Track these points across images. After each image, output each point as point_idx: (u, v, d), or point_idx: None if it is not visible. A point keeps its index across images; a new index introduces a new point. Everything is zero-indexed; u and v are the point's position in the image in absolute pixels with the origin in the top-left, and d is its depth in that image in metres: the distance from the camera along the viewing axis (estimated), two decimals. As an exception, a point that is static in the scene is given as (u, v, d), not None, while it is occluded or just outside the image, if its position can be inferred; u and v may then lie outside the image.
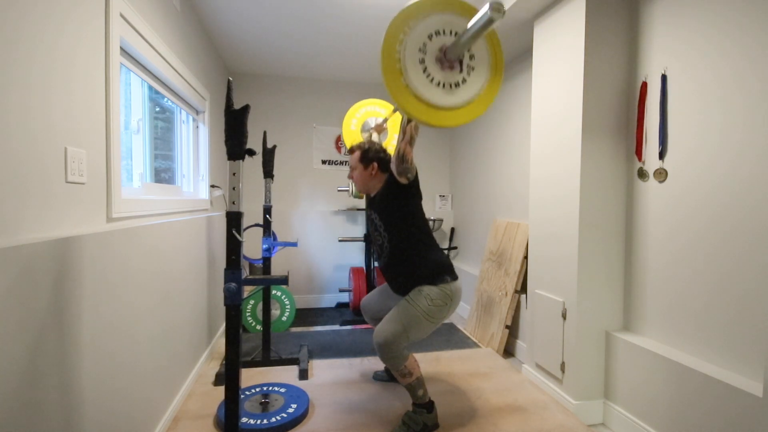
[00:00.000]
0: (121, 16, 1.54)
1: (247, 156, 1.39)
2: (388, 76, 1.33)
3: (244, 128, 1.36)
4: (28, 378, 0.97)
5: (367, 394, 2.24)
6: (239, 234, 1.38)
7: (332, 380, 2.39)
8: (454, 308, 1.91)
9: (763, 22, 1.46)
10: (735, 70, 1.55)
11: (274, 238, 2.68)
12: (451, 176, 4.48)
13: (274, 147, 2.63)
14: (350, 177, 2.13)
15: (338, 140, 4.17)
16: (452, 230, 4.38)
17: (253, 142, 3.81)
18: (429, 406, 1.89)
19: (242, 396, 2.13)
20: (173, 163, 2.59)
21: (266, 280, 1.50)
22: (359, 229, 4.25)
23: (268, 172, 2.62)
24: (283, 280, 1.46)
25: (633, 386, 1.89)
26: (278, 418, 1.91)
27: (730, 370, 1.56)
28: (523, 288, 2.83)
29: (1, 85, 0.96)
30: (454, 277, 1.93)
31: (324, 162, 4.15)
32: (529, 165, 2.89)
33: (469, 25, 1.28)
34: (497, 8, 1.16)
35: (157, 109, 2.40)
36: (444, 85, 1.39)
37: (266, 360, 2.58)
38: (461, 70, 1.42)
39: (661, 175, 1.85)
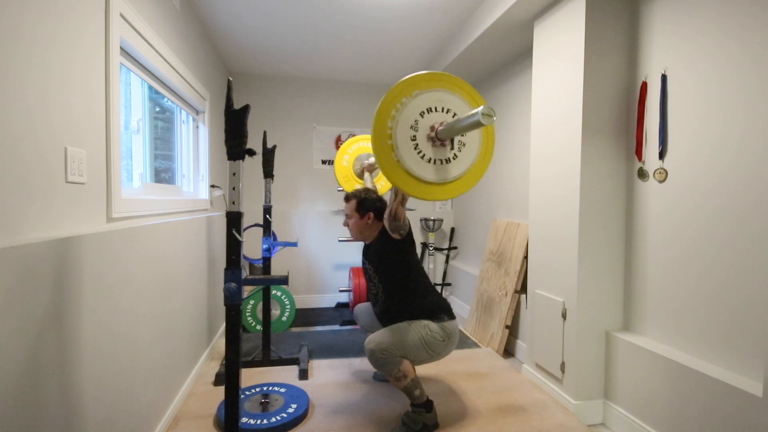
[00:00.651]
0: (121, 16, 1.54)
1: (247, 156, 1.39)
2: (380, 152, 1.36)
3: (244, 128, 1.36)
4: (28, 378, 0.97)
5: (367, 394, 2.24)
6: (239, 234, 1.38)
7: (332, 380, 2.39)
8: (452, 347, 1.93)
9: (763, 22, 1.46)
10: (735, 69, 1.55)
11: (274, 238, 2.68)
12: (451, 176, 4.47)
13: (274, 147, 2.63)
14: (345, 224, 2.15)
15: (338, 140, 4.17)
16: (452, 230, 4.38)
17: (253, 142, 3.80)
18: (428, 405, 1.89)
19: (242, 396, 2.13)
20: (173, 163, 2.59)
21: (266, 280, 1.51)
22: (359, 229, 4.25)
23: (268, 172, 2.62)
24: (283, 280, 1.46)
25: (633, 386, 1.89)
26: (278, 418, 1.91)
27: (730, 370, 1.56)
28: (523, 288, 2.83)
29: (0, 85, 0.96)
30: (451, 317, 1.95)
31: (324, 162, 4.15)
32: (529, 165, 2.89)
33: (463, 117, 1.31)
34: (488, 114, 1.21)
35: (157, 109, 2.40)
36: (435, 162, 1.43)
37: (266, 360, 2.58)
38: (452, 147, 1.46)
39: (661, 175, 1.85)
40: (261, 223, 2.71)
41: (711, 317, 1.63)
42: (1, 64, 0.96)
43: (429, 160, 1.42)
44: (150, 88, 2.11)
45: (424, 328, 1.85)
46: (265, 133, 2.60)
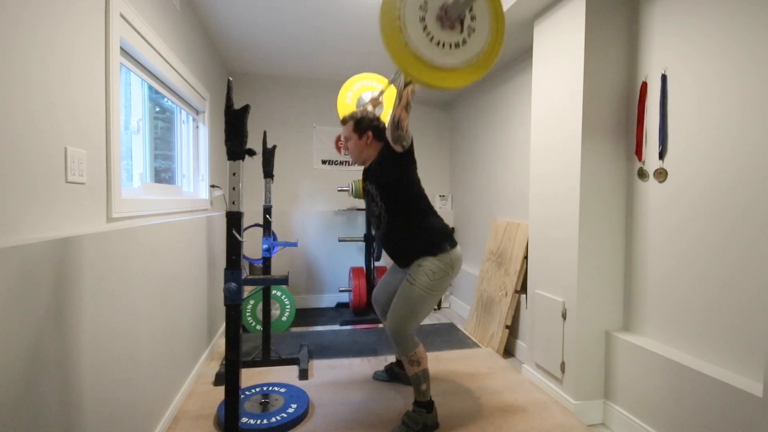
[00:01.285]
0: (121, 16, 1.54)
1: (247, 156, 1.39)
2: (387, 32, 1.29)
3: (244, 128, 1.36)
4: (29, 378, 0.97)
5: (367, 394, 2.24)
6: (239, 234, 1.38)
7: (332, 380, 2.39)
8: (455, 275, 1.93)
9: (763, 22, 1.46)
10: (735, 69, 1.55)
11: (274, 238, 2.68)
12: (451, 176, 4.48)
13: (274, 147, 2.63)
14: (345, 148, 2.11)
15: (338, 140, 4.17)
16: (452, 230, 4.37)
17: (253, 142, 3.81)
18: (429, 405, 1.89)
19: (242, 396, 2.13)
20: (173, 163, 2.59)
21: (266, 280, 1.50)
22: (359, 229, 4.25)
23: (268, 172, 2.62)
24: (283, 280, 1.46)
25: (633, 386, 1.89)
26: (278, 418, 1.91)
27: (730, 370, 1.56)
28: (523, 288, 2.83)
29: (0, 85, 0.96)
30: (453, 244, 1.92)
31: (324, 162, 4.15)
32: (529, 165, 2.89)
33: None
34: None
35: (157, 109, 2.40)
36: (444, 45, 1.36)
37: (266, 360, 2.58)
38: (462, 31, 1.38)
39: (661, 175, 1.85)
40: (261, 223, 2.71)
41: (711, 317, 1.63)
42: (1, 64, 0.96)
43: (438, 43, 1.35)
44: (150, 88, 2.11)
45: (425, 276, 1.84)
46: (265, 133, 2.60)
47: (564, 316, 2.13)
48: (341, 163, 4.19)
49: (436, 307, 4.03)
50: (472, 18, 1.41)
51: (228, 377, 1.39)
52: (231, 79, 1.45)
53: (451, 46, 1.38)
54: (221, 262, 3.02)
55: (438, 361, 2.68)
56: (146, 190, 2.00)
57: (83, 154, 1.28)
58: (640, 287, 1.98)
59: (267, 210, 2.63)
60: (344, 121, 2.08)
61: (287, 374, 2.46)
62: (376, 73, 3.90)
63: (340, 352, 2.84)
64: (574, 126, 2.06)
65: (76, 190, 1.24)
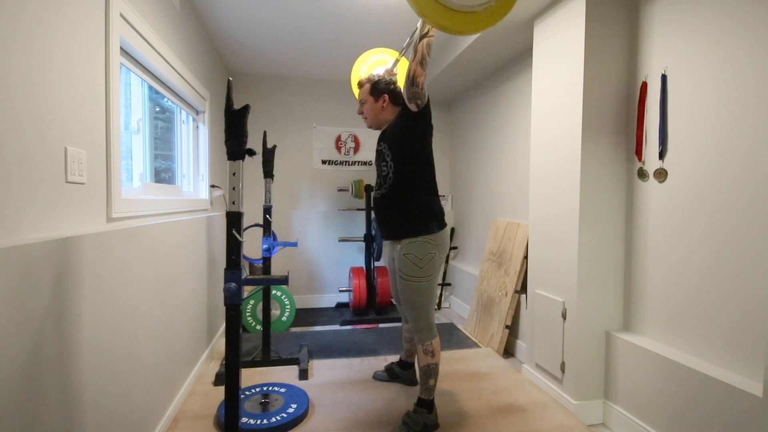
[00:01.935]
0: (121, 16, 1.54)
1: (247, 156, 1.38)
2: None
3: (244, 128, 1.36)
4: (28, 378, 0.97)
5: (367, 394, 2.24)
6: (239, 234, 1.38)
7: (332, 380, 2.39)
8: (445, 251, 1.93)
9: (764, 21, 1.46)
10: (736, 69, 1.55)
11: (274, 238, 2.68)
12: (451, 176, 4.48)
13: (274, 147, 2.63)
14: (360, 112, 2.08)
15: (338, 140, 4.17)
16: (452, 230, 4.38)
17: (253, 142, 3.81)
18: (430, 406, 1.89)
19: (242, 396, 2.13)
20: (173, 163, 2.60)
21: (266, 280, 1.50)
22: (359, 229, 4.25)
23: (268, 172, 2.62)
24: (283, 280, 1.46)
25: (633, 386, 1.89)
26: (278, 418, 1.91)
27: (730, 370, 1.56)
28: (523, 288, 2.83)
29: (0, 85, 0.96)
30: (442, 226, 1.92)
31: (324, 162, 4.15)
32: (529, 165, 2.89)
33: None
34: None
35: (157, 109, 2.40)
36: None
37: (266, 360, 2.58)
38: None
39: (661, 175, 1.85)
40: (261, 223, 2.71)
41: (711, 317, 1.63)
42: (1, 65, 0.96)
43: None
44: (150, 88, 2.11)
45: (415, 266, 1.84)
46: (265, 133, 2.60)
47: (564, 316, 2.13)
48: (341, 163, 4.19)
49: (436, 307, 4.03)
50: None
51: (228, 377, 1.39)
52: (231, 79, 1.45)
53: None
54: (221, 262, 3.02)
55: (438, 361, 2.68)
56: (146, 190, 2.00)
57: (83, 154, 1.28)
58: (640, 287, 1.98)
59: (267, 210, 2.63)
60: (360, 84, 2.05)
61: (287, 374, 2.46)
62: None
63: (340, 352, 2.84)
64: (574, 126, 2.06)
65: (76, 190, 1.24)
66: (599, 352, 2.06)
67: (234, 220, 1.37)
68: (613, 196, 2.05)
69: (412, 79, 1.71)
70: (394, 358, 2.71)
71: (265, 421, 1.88)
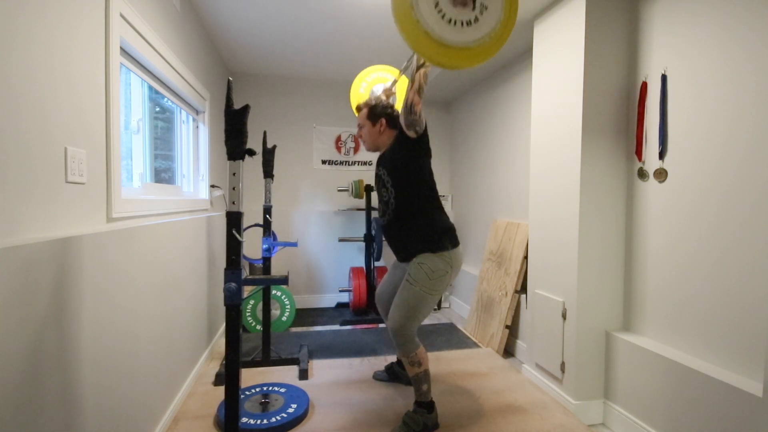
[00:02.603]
0: (121, 16, 1.54)
1: (247, 156, 1.38)
2: (399, 10, 1.28)
3: (244, 128, 1.36)
4: (28, 378, 0.97)
5: (367, 394, 2.24)
6: (239, 234, 1.38)
7: (332, 380, 2.39)
8: (456, 274, 1.92)
9: (764, 21, 1.46)
10: (735, 68, 1.55)
11: (274, 238, 2.68)
12: (451, 176, 4.48)
13: (274, 147, 2.63)
14: (359, 136, 2.10)
15: (338, 140, 4.17)
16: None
17: (253, 142, 3.81)
18: (429, 406, 1.89)
19: (242, 396, 2.13)
20: (173, 163, 2.59)
21: (266, 280, 1.50)
22: (359, 229, 4.25)
23: (268, 172, 2.62)
24: (283, 280, 1.46)
25: (633, 386, 1.89)
26: (278, 418, 1.91)
27: (730, 370, 1.56)
28: (523, 288, 2.83)
29: (0, 85, 0.96)
30: (455, 243, 1.93)
31: (324, 162, 4.15)
32: (529, 165, 2.89)
33: None
34: None
35: (157, 109, 2.40)
36: (455, 23, 1.34)
37: (266, 360, 2.58)
38: (474, 8, 1.36)
39: (661, 175, 1.85)
40: (261, 223, 2.71)
41: (711, 317, 1.63)
42: (2, 65, 0.96)
43: (450, 21, 1.33)
44: (150, 88, 2.11)
45: (425, 274, 1.84)
46: (265, 133, 2.60)
47: (564, 316, 2.13)
48: (341, 163, 4.19)
49: (436, 307, 4.03)
50: None
51: (228, 377, 1.39)
52: (231, 79, 1.45)
53: (463, 23, 1.35)
54: (221, 262, 3.02)
55: (438, 361, 2.68)
56: (146, 190, 2.00)
57: (83, 154, 1.28)
58: (640, 287, 1.98)
59: (267, 210, 2.63)
60: (358, 109, 2.08)
61: (287, 374, 2.46)
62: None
63: (340, 352, 2.84)
64: (574, 126, 2.06)
65: (76, 190, 1.24)
66: (599, 352, 2.06)
67: (234, 220, 1.37)
68: (613, 196, 2.05)
69: (409, 108, 1.73)
70: (394, 358, 2.71)
71: (265, 421, 1.88)
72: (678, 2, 1.78)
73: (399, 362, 2.40)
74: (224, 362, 1.44)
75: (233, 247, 1.38)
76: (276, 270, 4.10)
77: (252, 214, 3.96)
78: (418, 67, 1.69)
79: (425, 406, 1.88)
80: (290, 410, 1.98)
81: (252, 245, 3.97)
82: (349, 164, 4.19)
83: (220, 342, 2.95)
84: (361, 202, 4.22)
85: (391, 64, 3.66)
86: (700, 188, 1.68)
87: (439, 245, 1.87)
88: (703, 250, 1.66)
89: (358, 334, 3.24)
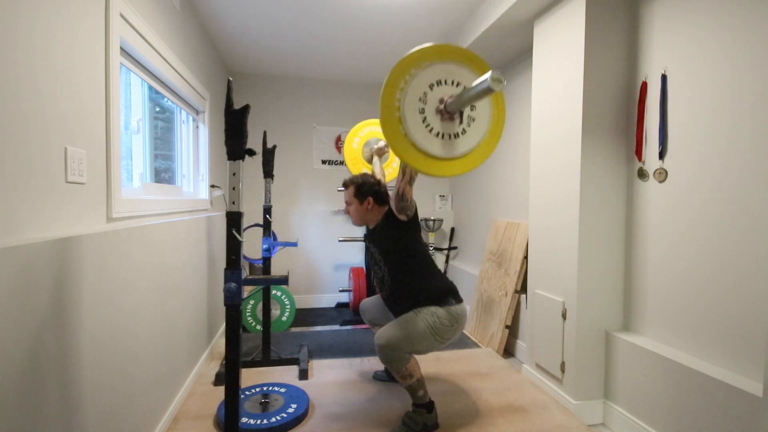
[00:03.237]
0: (121, 16, 1.54)
1: (247, 156, 1.39)
2: (387, 123, 1.33)
3: (244, 128, 1.36)
4: (28, 378, 0.97)
5: (367, 394, 2.24)
6: (239, 234, 1.38)
7: (332, 380, 2.39)
8: (460, 330, 1.91)
9: (763, 21, 1.46)
10: (735, 68, 1.55)
11: (274, 238, 2.68)
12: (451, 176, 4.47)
13: (274, 147, 2.63)
14: (347, 212, 2.11)
15: (338, 140, 4.17)
16: (452, 230, 4.38)
17: (253, 142, 3.81)
18: (429, 406, 1.89)
19: (242, 396, 2.13)
20: (173, 163, 2.60)
21: (266, 280, 1.50)
22: (359, 229, 4.25)
23: (268, 172, 2.62)
24: (283, 280, 1.46)
25: (633, 386, 1.89)
26: (278, 418, 1.91)
27: (730, 370, 1.56)
28: (523, 288, 2.83)
29: (0, 85, 0.96)
30: (459, 300, 1.93)
31: (324, 162, 4.15)
32: (529, 165, 2.89)
33: (472, 86, 1.27)
34: (497, 80, 1.16)
35: (157, 109, 2.40)
36: (443, 136, 1.39)
37: (266, 360, 2.58)
38: (461, 122, 1.42)
39: (661, 175, 1.85)
40: (261, 223, 2.71)
41: (711, 317, 1.63)
42: (2, 65, 0.96)
43: (437, 134, 1.37)
44: (150, 88, 2.11)
45: (431, 315, 1.83)
46: (265, 133, 2.60)
47: (564, 316, 2.13)
48: (341, 163, 4.19)
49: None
50: (472, 108, 1.43)
51: (228, 377, 1.39)
52: (231, 79, 1.45)
53: (450, 136, 1.40)
54: (221, 262, 3.02)
55: (438, 361, 2.68)
56: (146, 190, 2.00)
57: (83, 154, 1.28)
58: (640, 287, 1.98)
59: (267, 210, 2.63)
60: (345, 185, 2.09)
61: (287, 374, 2.46)
62: (375, 74, 3.90)
63: (340, 352, 2.84)
64: (574, 126, 2.06)
65: (76, 190, 1.24)
66: (599, 352, 2.06)
67: (234, 220, 1.38)
68: (613, 196, 2.05)
69: (401, 196, 1.78)
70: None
71: (265, 421, 1.88)
72: (678, 2, 1.78)
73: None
74: (224, 362, 1.44)
75: (233, 247, 1.38)
76: (276, 270, 4.10)
77: (252, 214, 3.96)
78: None
79: (424, 406, 1.88)
80: (290, 410, 1.98)
81: (252, 245, 3.97)
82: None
83: (220, 342, 2.95)
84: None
85: (391, 64, 3.66)
86: (701, 188, 1.68)
87: (445, 301, 1.88)
88: (703, 250, 1.66)
89: (358, 334, 3.24)
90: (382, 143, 2.61)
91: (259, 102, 4.01)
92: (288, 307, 3.33)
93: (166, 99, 2.35)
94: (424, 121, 1.36)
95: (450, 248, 4.30)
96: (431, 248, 4.15)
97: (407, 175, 1.72)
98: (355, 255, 4.26)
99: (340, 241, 3.84)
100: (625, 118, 2.06)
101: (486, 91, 1.20)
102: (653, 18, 1.91)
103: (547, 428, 1.91)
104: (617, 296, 2.07)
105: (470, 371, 2.53)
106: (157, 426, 1.77)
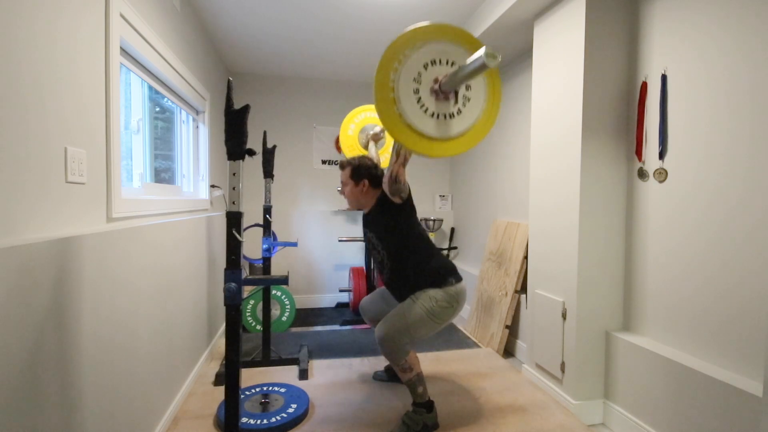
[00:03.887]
0: (121, 16, 1.54)
1: (247, 156, 1.39)
2: (381, 104, 1.31)
3: (244, 128, 1.36)
4: (28, 377, 0.97)
5: (367, 394, 2.24)
6: (239, 234, 1.38)
7: (332, 380, 2.39)
8: (459, 309, 1.92)
9: (763, 21, 1.46)
10: (734, 68, 1.55)
11: (274, 238, 2.68)
12: (451, 176, 4.48)
13: (274, 147, 2.63)
14: (342, 193, 2.12)
15: (338, 140, 4.17)
16: (452, 230, 4.38)
17: (253, 142, 3.81)
18: (429, 406, 1.89)
19: (242, 396, 2.13)
20: (173, 163, 2.59)
21: (266, 280, 1.50)
22: (359, 229, 4.25)
23: (268, 172, 2.62)
24: (283, 280, 1.46)
25: (633, 386, 1.89)
26: (278, 418, 1.91)
27: (730, 370, 1.56)
28: (523, 288, 2.83)
29: (0, 85, 0.96)
30: (458, 279, 1.94)
31: (324, 162, 4.15)
32: (529, 165, 2.89)
33: (466, 63, 1.26)
34: (492, 56, 1.14)
35: (157, 109, 2.40)
36: (438, 116, 1.37)
37: (266, 360, 2.58)
38: (456, 101, 1.40)
39: (661, 175, 1.85)
40: (261, 223, 2.71)
41: (711, 317, 1.63)
42: (2, 65, 0.96)
43: (432, 115, 1.36)
44: (150, 88, 2.11)
45: (429, 300, 1.84)
46: (265, 133, 2.60)
47: (564, 316, 2.13)
48: (341, 163, 4.18)
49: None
50: (467, 87, 1.41)
51: (228, 377, 1.39)
52: (231, 79, 1.45)
53: (446, 116, 1.38)
54: (221, 262, 3.02)
55: (438, 361, 2.68)
56: (146, 190, 2.00)
57: (83, 154, 1.28)
58: (640, 287, 1.98)
59: (267, 210, 2.63)
60: (342, 166, 2.08)
61: (287, 374, 2.46)
62: (371, 75, 3.90)
63: (340, 352, 2.84)
64: (574, 126, 2.06)
65: (76, 190, 1.24)
66: (599, 352, 2.06)
67: (234, 220, 1.37)
68: (613, 196, 2.05)
69: (394, 178, 1.78)
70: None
71: (265, 421, 1.88)
72: (678, 2, 1.78)
73: (399, 362, 2.40)
74: (224, 362, 1.44)
75: (233, 247, 1.38)
76: (276, 270, 4.10)
77: (252, 214, 3.96)
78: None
79: (424, 405, 1.88)
80: (290, 410, 1.98)
81: (252, 245, 3.97)
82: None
83: (220, 342, 2.95)
84: (361, 202, 4.21)
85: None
86: (701, 188, 1.68)
87: (443, 281, 1.89)
88: (703, 250, 1.66)
89: (358, 334, 3.24)
90: (377, 128, 2.60)
91: (259, 102, 4.01)
92: (288, 307, 3.33)
93: (166, 99, 2.35)
94: (419, 102, 1.34)
95: (450, 248, 4.30)
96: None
97: (401, 156, 1.72)
98: (355, 255, 4.26)
99: (340, 241, 3.84)
100: (625, 118, 2.06)
101: (481, 68, 1.18)
102: (653, 18, 1.91)
103: (547, 428, 1.91)
104: (617, 296, 2.07)
105: (470, 371, 2.53)
106: (157, 426, 1.77)
